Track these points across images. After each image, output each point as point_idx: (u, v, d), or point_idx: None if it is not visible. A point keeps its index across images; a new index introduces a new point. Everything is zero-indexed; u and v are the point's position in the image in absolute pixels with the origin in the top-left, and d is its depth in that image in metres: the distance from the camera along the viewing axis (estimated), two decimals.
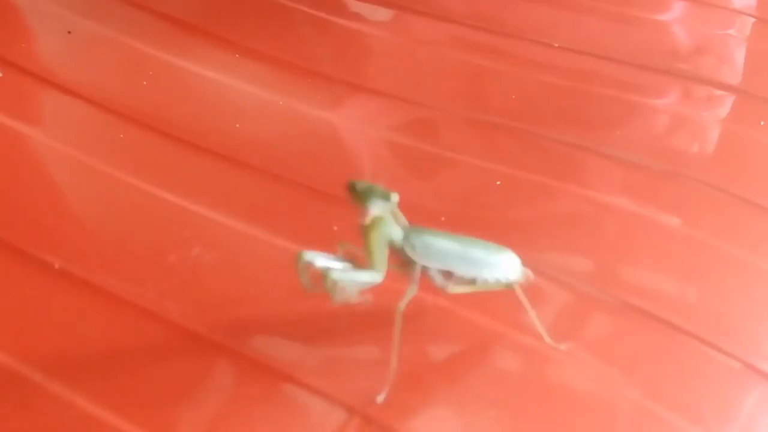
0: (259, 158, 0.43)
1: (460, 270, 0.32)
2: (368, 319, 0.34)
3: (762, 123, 0.45)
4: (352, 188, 0.31)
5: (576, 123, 0.46)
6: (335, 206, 0.38)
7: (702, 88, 0.50)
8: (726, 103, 0.49)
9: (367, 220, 0.31)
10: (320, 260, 0.31)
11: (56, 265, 0.37)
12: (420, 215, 0.34)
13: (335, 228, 0.38)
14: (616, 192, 0.41)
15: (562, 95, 0.49)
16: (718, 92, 0.49)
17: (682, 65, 0.51)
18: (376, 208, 0.31)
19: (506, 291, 0.32)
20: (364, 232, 0.31)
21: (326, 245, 0.33)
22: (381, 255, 0.31)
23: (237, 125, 0.46)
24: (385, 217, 0.31)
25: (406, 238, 0.32)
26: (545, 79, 0.50)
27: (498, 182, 0.42)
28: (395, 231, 0.32)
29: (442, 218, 0.39)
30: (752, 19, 0.56)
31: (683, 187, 0.42)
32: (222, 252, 0.38)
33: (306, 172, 0.42)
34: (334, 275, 0.31)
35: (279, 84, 0.50)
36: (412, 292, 0.32)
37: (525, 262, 0.32)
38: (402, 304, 0.31)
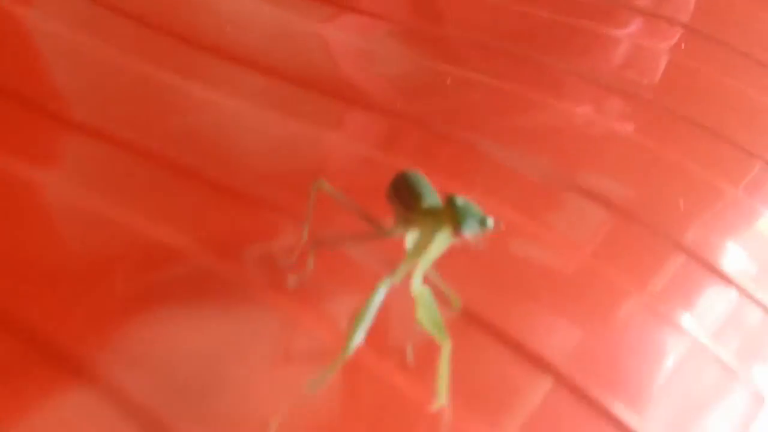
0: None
1: None
2: None
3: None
4: (450, 202, 0.27)
5: (550, 47, 0.49)
6: None
7: (658, 22, 0.53)
8: (677, 37, 0.53)
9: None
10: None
11: None
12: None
13: None
14: (581, 103, 0.44)
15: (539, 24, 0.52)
16: (672, 28, 0.53)
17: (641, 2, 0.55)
18: (469, 231, 0.27)
19: None
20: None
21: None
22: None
23: None
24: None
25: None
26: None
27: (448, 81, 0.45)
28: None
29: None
30: None
31: (638, 103, 0.45)
32: None
33: None
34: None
35: None
36: None
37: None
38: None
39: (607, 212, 0.35)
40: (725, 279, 0.33)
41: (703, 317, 0.32)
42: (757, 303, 0.34)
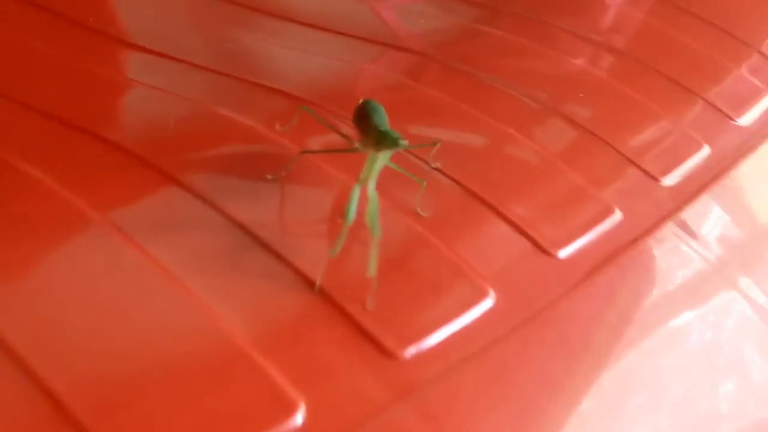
0: None
1: None
2: None
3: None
4: (374, 129, 0.36)
5: (550, 9, 0.61)
6: None
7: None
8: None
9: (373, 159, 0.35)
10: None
11: None
12: None
13: None
14: (572, 54, 0.56)
15: None
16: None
17: None
18: (383, 154, 0.35)
19: None
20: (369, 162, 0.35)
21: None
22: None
23: None
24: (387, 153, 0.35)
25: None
26: None
27: None
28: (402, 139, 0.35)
29: None
30: None
31: (615, 55, 0.57)
32: None
33: None
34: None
35: None
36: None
37: None
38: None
39: (576, 131, 0.47)
40: (651, 177, 0.45)
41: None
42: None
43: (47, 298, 0.33)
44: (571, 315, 0.36)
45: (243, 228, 0.36)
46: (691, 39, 0.59)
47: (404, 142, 0.34)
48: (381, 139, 0.35)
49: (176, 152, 0.41)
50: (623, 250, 0.39)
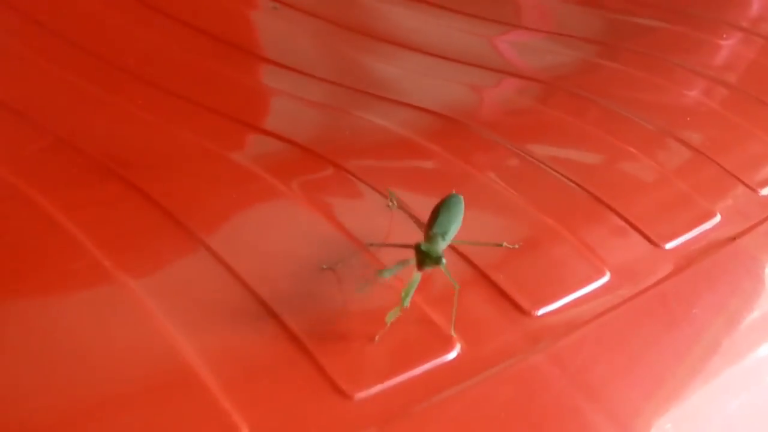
0: None
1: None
2: None
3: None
4: (416, 248, 0.36)
5: (667, 47, 0.69)
6: None
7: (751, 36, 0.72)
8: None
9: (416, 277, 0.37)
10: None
11: None
12: None
13: None
14: (686, 86, 0.63)
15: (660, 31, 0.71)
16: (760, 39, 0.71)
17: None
18: (427, 269, 0.37)
19: None
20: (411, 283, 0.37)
21: None
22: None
23: None
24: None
25: (437, 250, 0.37)
26: None
27: None
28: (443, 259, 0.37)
29: None
30: None
31: (726, 88, 0.64)
32: None
33: None
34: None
35: None
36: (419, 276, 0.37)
37: None
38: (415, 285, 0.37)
39: (687, 150, 0.55)
40: (750, 188, 0.52)
41: None
42: None
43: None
44: (675, 295, 0.43)
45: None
46: None
47: (444, 261, 0.36)
48: (420, 260, 0.37)
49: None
50: (721, 246, 0.46)
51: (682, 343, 0.42)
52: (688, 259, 0.45)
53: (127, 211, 0.44)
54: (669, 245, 0.45)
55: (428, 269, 0.37)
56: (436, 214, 0.40)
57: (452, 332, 0.37)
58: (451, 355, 0.37)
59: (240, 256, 0.40)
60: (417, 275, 0.37)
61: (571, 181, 0.49)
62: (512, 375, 0.37)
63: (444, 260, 0.36)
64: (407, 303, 0.36)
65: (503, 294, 0.40)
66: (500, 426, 0.35)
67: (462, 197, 0.41)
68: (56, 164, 0.47)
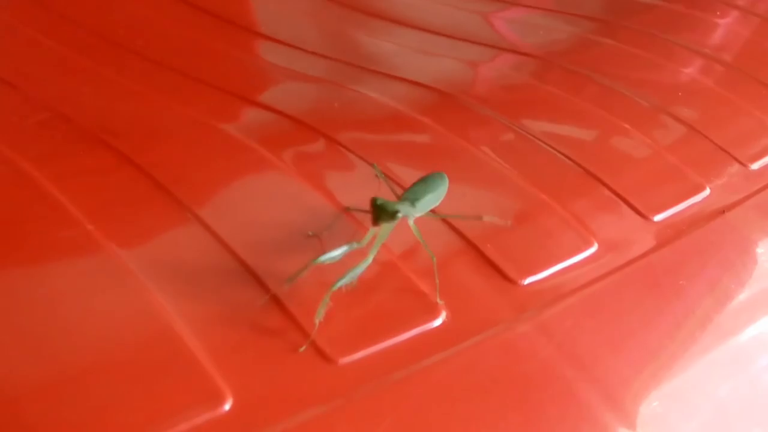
0: None
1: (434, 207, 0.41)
2: None
3: None
4: (375, 208, 0.36)
5: (666, 26, 0.69)
6: None
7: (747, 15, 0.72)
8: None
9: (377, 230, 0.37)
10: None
11: None
12: None
13: None
14: (683, 64, 0.63)
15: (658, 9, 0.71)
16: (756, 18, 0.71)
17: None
18: (386, 225, 0.37)
19: None
20: (377, 236, 0.37)
21: None
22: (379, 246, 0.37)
23: None
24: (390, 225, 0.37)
25: (406, 210, 0.38)
26: None
27: None
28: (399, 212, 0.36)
29: None
30: None
31: (721, 65, 0.64)
32: None
33: None
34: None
35: None
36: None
37: None
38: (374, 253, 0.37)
39: (683, 128, 0.55)
40: (741, 162, 0.52)
41: None
42: None
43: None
44: (662, 266, 0.43)
45: None
46: None
47: (399, 215, 0.36)
48: (376, 214, 0.36)
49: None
50: (710, 218, 0.46)
51: (669, 313, 0.42)
52: (677, 231, 0.45)
53: (117, 182, 0.44)
54: (657, 217, 0.45)
55: (386, 225, 0.37)
56: (413, 185, 0.41)
57: (438, 299, 0.38)
58: (437, 322, 0.37)
59: (229, 225, 0.41)
60: (377, 233, 0.37)
61: (563, 155, 0.49)
62: (498, 343, 0.37)
63: (411, 223, 0.37)
64: (371, 259, 0.36)
65: (490, 263, 0.41)
66: (485, 393, 0.35)
67: (445, 175, 0.41)
68: (46, 134, 0.47)
